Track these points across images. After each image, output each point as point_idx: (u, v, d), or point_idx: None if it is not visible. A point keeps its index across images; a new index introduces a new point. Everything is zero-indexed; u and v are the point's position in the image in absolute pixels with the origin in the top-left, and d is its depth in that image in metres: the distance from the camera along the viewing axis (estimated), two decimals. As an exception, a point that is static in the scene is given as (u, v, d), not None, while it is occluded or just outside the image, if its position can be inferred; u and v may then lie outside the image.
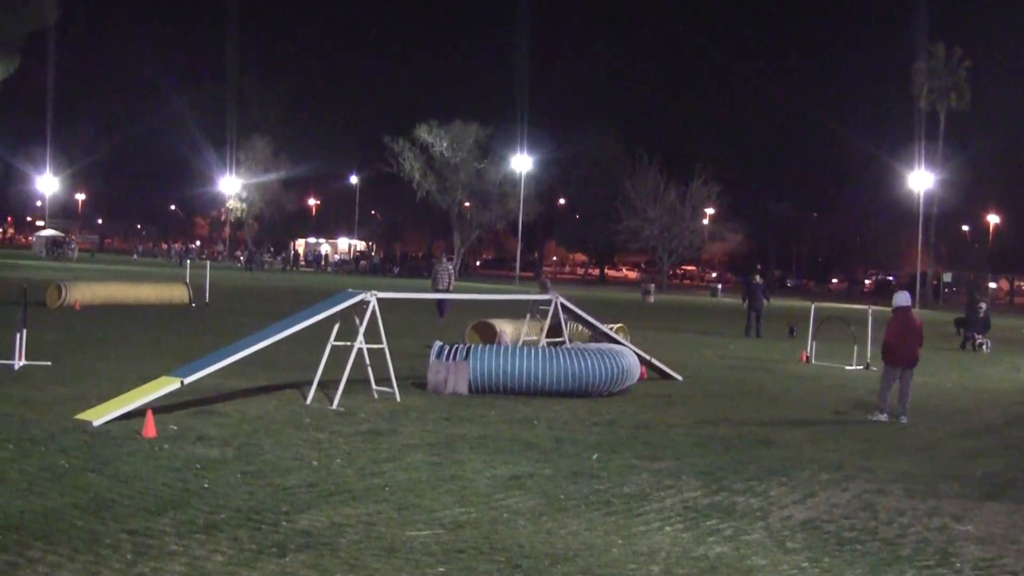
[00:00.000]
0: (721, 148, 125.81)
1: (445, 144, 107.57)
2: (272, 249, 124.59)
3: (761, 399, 21.24)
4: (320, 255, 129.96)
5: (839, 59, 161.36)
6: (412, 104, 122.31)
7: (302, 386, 18.13)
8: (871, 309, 30.59)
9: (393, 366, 18.03)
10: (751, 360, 29.69)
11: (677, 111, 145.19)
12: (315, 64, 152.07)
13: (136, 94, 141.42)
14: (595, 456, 13.79)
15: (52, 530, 9.15)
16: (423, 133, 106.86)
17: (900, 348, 18.92)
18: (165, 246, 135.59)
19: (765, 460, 14.25)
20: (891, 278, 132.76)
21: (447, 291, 39.19)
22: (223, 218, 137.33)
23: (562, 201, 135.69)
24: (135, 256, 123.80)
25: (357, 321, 17.76)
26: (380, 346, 17.74)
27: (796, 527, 10.68)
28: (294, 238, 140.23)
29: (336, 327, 17.79)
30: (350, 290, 18.61)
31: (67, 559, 8.40)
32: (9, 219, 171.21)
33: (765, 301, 39.91)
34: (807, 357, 29.84)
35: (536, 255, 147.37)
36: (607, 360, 19.52)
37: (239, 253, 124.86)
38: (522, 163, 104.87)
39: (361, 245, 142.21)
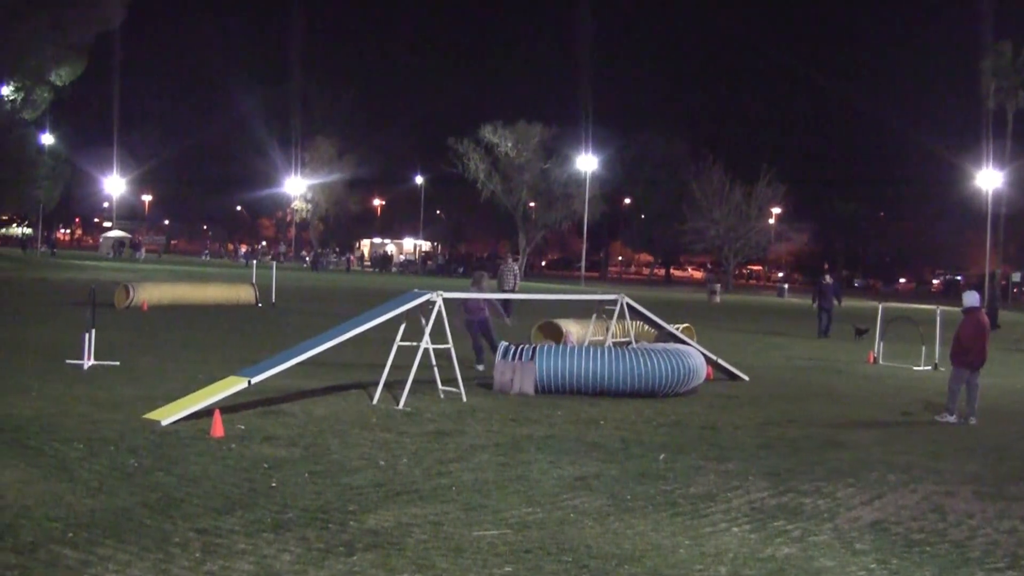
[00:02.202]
0: (786, 148, 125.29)
1: (510, 144, 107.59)
2: (337, 250, 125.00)
3: (828, 400, 21.08)
4: (385, 255, 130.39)
5: (906, 58, 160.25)
6: (477, 105, 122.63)
7: (368, 386, 18.19)
8: (939, 309, 30.29)
9: (459, 366, 18.05)
10: (818, 361, 29.49)
11: (742, 111, 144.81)
12: (380, 65, 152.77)
13: (202, 96, 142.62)
14: (662, 457, 13.74)
15: (122, 528, 9.22)
16: (488, 134, 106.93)
17: (973, 350, 18.71)
18: (231, 247, 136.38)
19: (833, 461, 14.14)
20: (959, 278, 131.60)
21: (512, 291, 39.16)
22: (288, 219, 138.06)
23: (627, 201, 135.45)
24: (205, 257, 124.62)
25: (423, 321, 17.79)
26: (446, 346, 17.77)
27: (864, 529, 10.59)
28: (359, 239, 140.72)
29: (402, 327, 17.83)
30: (416, 290, 18.64)
31: (137, 557, 8.46)
32: (77, 221, 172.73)
33: (836, 302, 39.68)
34: (875, 358, 29.61)
35: (601, 255, 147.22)
36: (673, 360, 19.45)
37: (304, 254, 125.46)
38: (587, 163, 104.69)
39: (426, 246, 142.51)
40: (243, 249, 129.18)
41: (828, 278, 40.62)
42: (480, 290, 22.76)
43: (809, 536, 10.18)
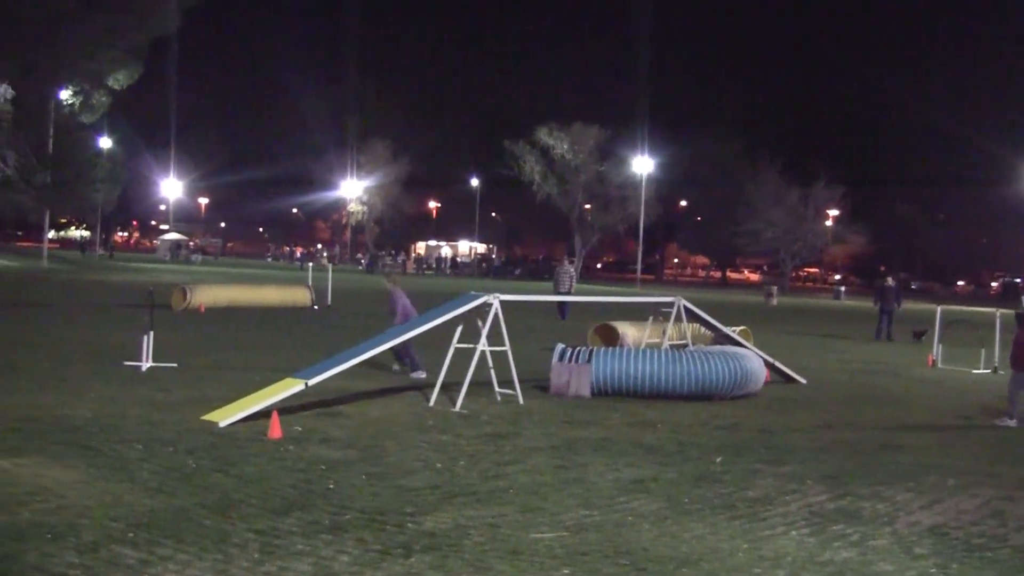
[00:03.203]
0: (843, 150, 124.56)
1: (565, 147, 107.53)
2: (393, 252, 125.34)
3: (886, 403, 20.94)
4: (441, 258, 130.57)
5: (964, 59, 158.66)
6: (533, 106, 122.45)
7: (425, 388, 18.23)
8: (999, 312, 30.00)
9: (515, 368, 18.05)
10: (876, 364, 29.31)
11: (799, 112, 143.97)
12: (435, 66, 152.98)
13: (257, 99, 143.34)
14: (719, 460, 13.69)
15: (181, 529, 9.28)
16: (543, 136, 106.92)
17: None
18: (286, 249, 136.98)
19: (891, 465, 14.04)
20: (1018, 280, 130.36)
21: (568, 293, 39.18)
22: (344, 221, 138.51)
23: (683, 203, 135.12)
24: (270, 259, 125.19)
25: (480, 323, 17.80)
26: (503, 348, 17.78)
27: (923, 533, 10.51)
28: (414, 241, 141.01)
29: (459, 329, 17.85)
30: (472, 292, 18.66)
31: (196, 557, 8.52)
32: (134, 223, 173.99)
33: (896, 305, 39.46)
34: (933, 361, 29.40)
35: (657, 258, 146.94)
36: (730, 363, 19.38)
37: (360, 256, 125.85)
38: (643, 165, 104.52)
39: (482, 248, 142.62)
40: (298, 252, 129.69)
41: (890, 280, 40.44)
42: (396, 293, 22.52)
43: (868, 540, 10.11)
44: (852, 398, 21.44)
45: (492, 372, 17.88)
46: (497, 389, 18.03)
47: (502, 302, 18.05)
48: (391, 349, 21.40)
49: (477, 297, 18.08)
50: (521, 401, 17.68)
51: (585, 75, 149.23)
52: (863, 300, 56.65)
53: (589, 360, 19.13)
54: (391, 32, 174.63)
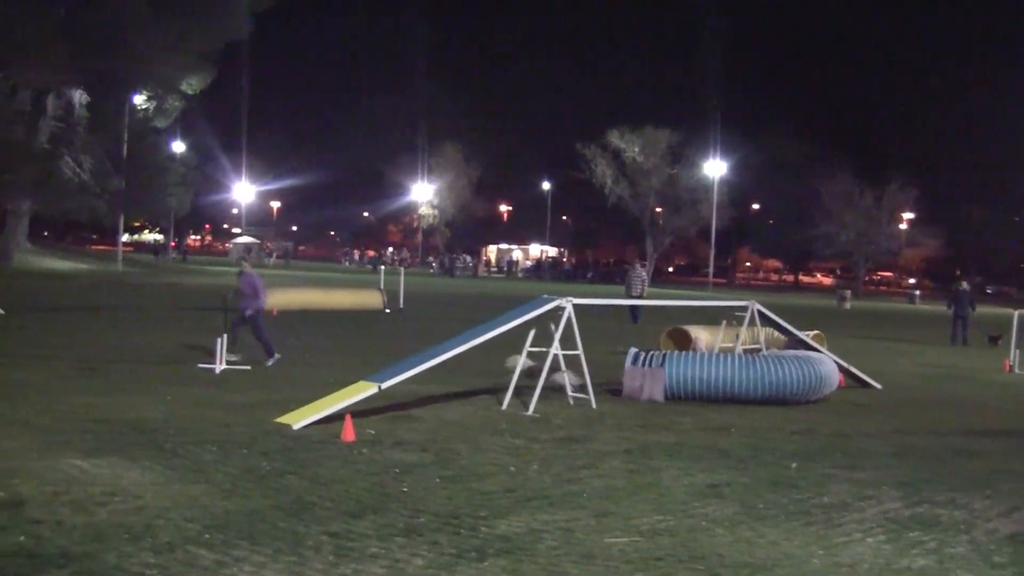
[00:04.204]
0: (918, 152, 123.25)
1: (637, 149, 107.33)
2: (467, 255, 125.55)
3: (961, 408, 20.73)
4: (512, 261, 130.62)
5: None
6: (603, 109, 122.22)
7: (497, 392, 18.22)
8: (1077, 316, 29.64)
9: (588, 372, 17.99)
10: (951, 369, 29.03)
11: (872, 114, 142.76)
12: (506, 69, 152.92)
13: (329, 103, 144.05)
14: (793, 465, 13.58)
15: (256, 530, 9.33)
16: (615, 139, 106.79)
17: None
18: (357, 252, 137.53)
19: (967, 471, 13.88)
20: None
21: (640, 297, 39.08)
22: (415, 225, 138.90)
23: (756, 206, 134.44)
24: (346, 263, 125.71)
25: (552, 327, 17.76)
26: (576, 352, 17.73)
27: (1002, 541, 10.37)
28: (485, 244, 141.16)
29: (532, 333, 17.83)
30: (545, 296, 18.63)
31: (271, 559, 8.56)
32: (207, 226, 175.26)
33: (971, 309, 39.10)
34: (1010, 366, 29.06)
35: (729, 261, 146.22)
36: (804, 367, 19.24)
37: (431, 259, 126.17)
38: (715, 168, 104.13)
39: (552, 251, 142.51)
40: (369, 255, 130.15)
41: (964, 284, 40.05)
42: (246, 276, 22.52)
43: (945, 548, 9.99)
44: (927, 403, 21.24)
45: (565, 376, 17.85)
46: (570, 393, 18.00)
47: (574, 306, 18.01)
48: (231, 334, 21.62)
49: (549, 301, 18.05)
50: (594, 405, 17.63)
51: (657, 78, 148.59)
52: (938, 304, 56.11)
53: (662, 364, 19.07)
54: (462, 35, 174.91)
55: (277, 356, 21.92)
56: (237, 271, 23.35)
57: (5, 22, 61.03)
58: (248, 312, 22.26)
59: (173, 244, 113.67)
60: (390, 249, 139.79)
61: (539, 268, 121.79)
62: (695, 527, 10.24)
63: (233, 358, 21.31)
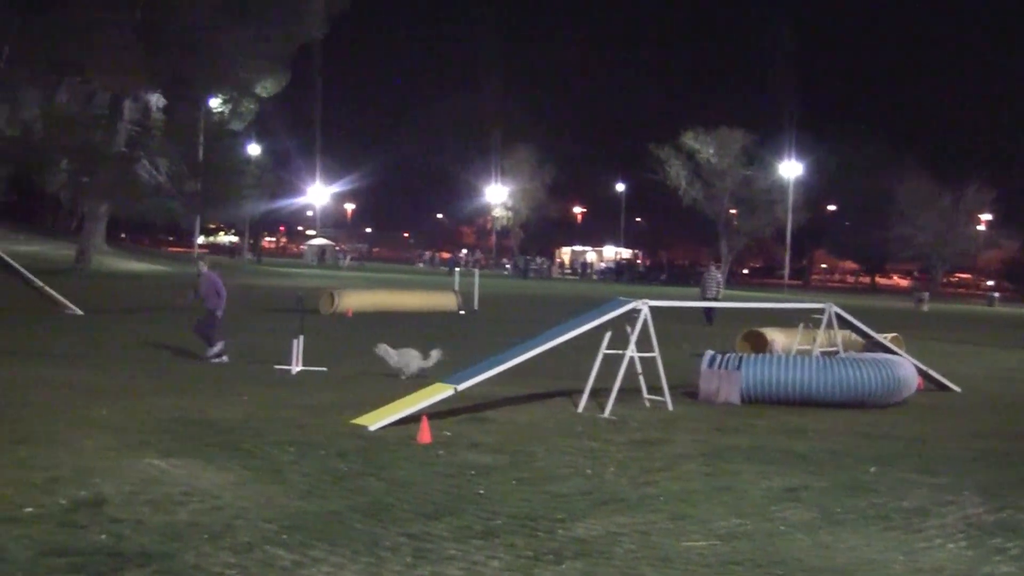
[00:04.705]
0: (996, 153, 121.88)
1: (711, 151, 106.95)
2: (540, 257, 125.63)
3: (1045, 413, 20.46)
4: (585, 263, 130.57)
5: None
6: (677, 110, 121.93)
7: (572, 394, 18.18)
8: None
9: (664, 374, 17.91)
10: (1032, 372, 28.69)
11: (949, 115, 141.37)
12: (579, 71, 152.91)
13: (403, 105, 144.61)
14: (872, 469, 13.44)
15: (334, 531, 9.36)
16: (689, 140, 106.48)
17: None
18: (429, 254, 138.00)
19: (1050, 477, 13.67)
20: None
21: (715, 299, 38.92)
22: (489, 226, 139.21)
23: (831, 207, 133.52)
24: (420, 265, 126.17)
25: (628, 329, 17.69)
26: (651, 355, 17.65)
27: (1088, 547, 10.20)
28: (559, 246, 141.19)
29: (608, 336, 17.76)
30: (620, 298, 18.56)
31: (349, 560, 8.58)
32: (282, 229, 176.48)
33: None
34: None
35: (804, 263, 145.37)
36: (883, 370, 19.04)
37: (505, 261, 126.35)
38: (790, 169, 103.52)
39: (627, 253, 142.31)
40: (443, 257, 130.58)
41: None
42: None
43: (1029, 554, 9.85)
44: (1008, 407, 20.98)
45: (641, 378, 17.79)
46: (646, 396, 17.93)
47: (649, 308, 17.93)
48: (200, 334, 21.89)
49: (625, 303, 17.98)
50: (670, 408, 17.55)
51: (731, 78, 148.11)
52: (1018, 307, 55.59)
53: (739, 367, 18.95)
54: (536, 37, 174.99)
55: (218, 351, 21.89)
56: (196, 273, 23.30)
57: (83, 27, 61.74)
58: (219, 312, 22.45)
59: (249, 247, 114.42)
60: (464, 251, 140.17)
61: (620, 270, 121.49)
62: (773, 531, 10.16)
63: (215, 349, 21.86)
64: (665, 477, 12.36)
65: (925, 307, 70.56)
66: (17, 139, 67.94)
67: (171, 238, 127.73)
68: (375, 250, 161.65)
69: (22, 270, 32.45)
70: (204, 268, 23.04)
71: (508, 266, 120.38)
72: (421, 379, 18.76)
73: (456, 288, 43.68)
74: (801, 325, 22.84)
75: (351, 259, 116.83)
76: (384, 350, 20.45)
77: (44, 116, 68.77)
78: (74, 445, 12.57)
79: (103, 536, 8.90)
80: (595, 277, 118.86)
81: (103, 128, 71.84)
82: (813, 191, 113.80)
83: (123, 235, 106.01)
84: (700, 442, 14.86)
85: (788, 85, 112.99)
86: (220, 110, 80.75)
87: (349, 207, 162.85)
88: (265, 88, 79.85)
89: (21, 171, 74.65)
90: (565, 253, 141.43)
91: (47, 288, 31.69)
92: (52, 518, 9.38)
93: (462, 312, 40.34)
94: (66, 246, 76.14)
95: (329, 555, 8.67)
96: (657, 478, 12.28)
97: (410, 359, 20.40)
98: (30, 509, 9.62)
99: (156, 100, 73.74)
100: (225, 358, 21.75)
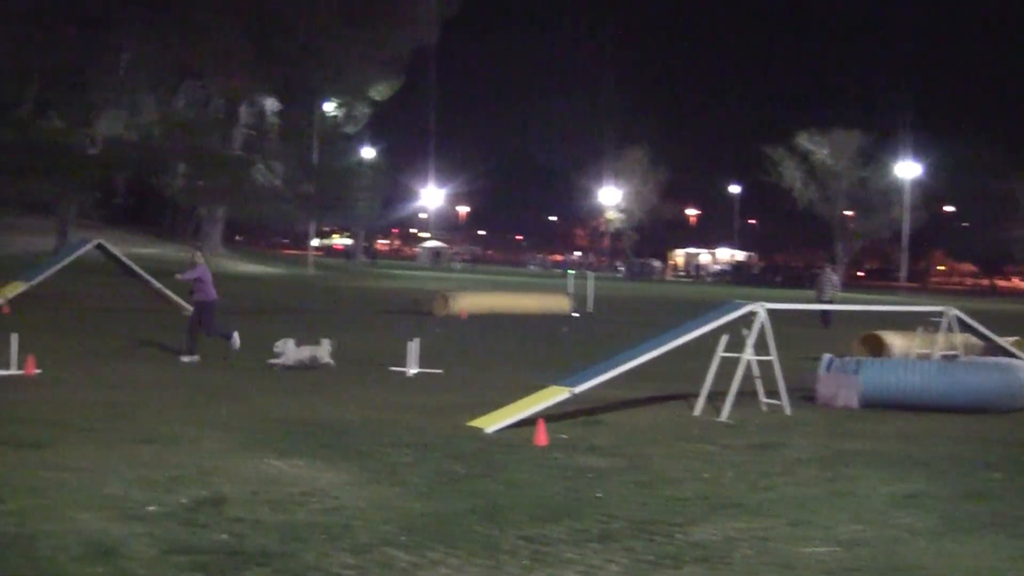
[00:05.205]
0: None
1: (826, 152, 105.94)
2: (654, 260, 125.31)
3: None
4: (699, 265, 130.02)
5: None
6: (791, 111, 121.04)
7: (688, 397, 18.06)
8: None
9: (781, 378, 17.72)
10: None
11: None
12: (693, 73, 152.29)
13: (516, 108, 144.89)
14: (997, 475, 13.19)
15: (451, 533, 9.37)
16: (803, 141, 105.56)
17: None
18: (541, 256, 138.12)
19: None
20: None
21: (831, 302, 38.54)
22: (602, 229, 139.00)
23: (950, 209, 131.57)
24: (531, 267, 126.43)
25: (745, 332, 17.54)
26: (768, 358, 17.48)
27: None
28: (672, 248, 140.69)
29: (725, 339, 17.61)
30: (737, 301, 18.42)
31: (467, 562, 8.59)
32: (395, 231, 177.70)
33: None
34: None
35: (922, 265, 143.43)
36: (1005, 375, 18.71)
37: (618, 263, 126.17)
38: (907, 170, 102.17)
39: (741, 255, 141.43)
40: (555, 259, 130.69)
41: None
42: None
43: None
44: None
45: (758, 382, 17.63)
46: (763, 399, 17.76)
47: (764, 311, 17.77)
48: (215, 334, 21.82)
49: (741, 306, 17.83)
50: (788, 412, 17.37)
51: (846, 79, 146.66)
52: None
53: (857, 370, 18.72)
54: (649, 38, 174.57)
55: (195, 359, 21.52)
56: (192, 264, 23.19)
57: (200, 33, 62.70)
58: (210, 298, 22.32)
59: (363, 248, 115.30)
60: (577, 253, 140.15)
61: (735, 272, 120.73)
62: (895, 538, 9.99)
63: (233, 342, 22.10)
64: (783, 482, 12.24)
65: (1046, 310, 69.32)
66: (136, 144, 69.18)
67: (286, 241, 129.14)
68: (488, 252, 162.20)
69: (141, 272, 32.98)
70: (199, 259, 22.98)
71: (621, 268, 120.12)
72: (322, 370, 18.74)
73: (570, 290, 43.64)
74: (920, 328, 22.47)
75: (462, 261, 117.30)
76: (284, 345, 20.49)
77: (162, 121, 69.97)
78: (195, 445, 12.77)
79: (224, 535, 9.01)
80: (708, 279, 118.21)
81: (219, 132, 72.97)
82: (931, 192, 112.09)
83: (238, 237, 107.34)
84: (818, 446, 14.68)
85: (905, 84, 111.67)
86: (334, 114, 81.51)
87: (462, 210, 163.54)
88: (379, 92, 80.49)
89: (140, 175, 76.06)
90: (679, 255, 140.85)
91: (165, 290, 32.16)
92: (174, 516, 9.53)
93: (576, 315, 40.30)
94: (183, 248, 77.27)
95: (447, 557, 8.68)
96: (775, 483, 12.16)
97: (294, 351, 20.50)
98: (153, 507, 9.78)
99: (271, 104, 74.65)
100: (202, 356, 21.64)
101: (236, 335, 22.35)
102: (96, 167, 68.94)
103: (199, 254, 23.46)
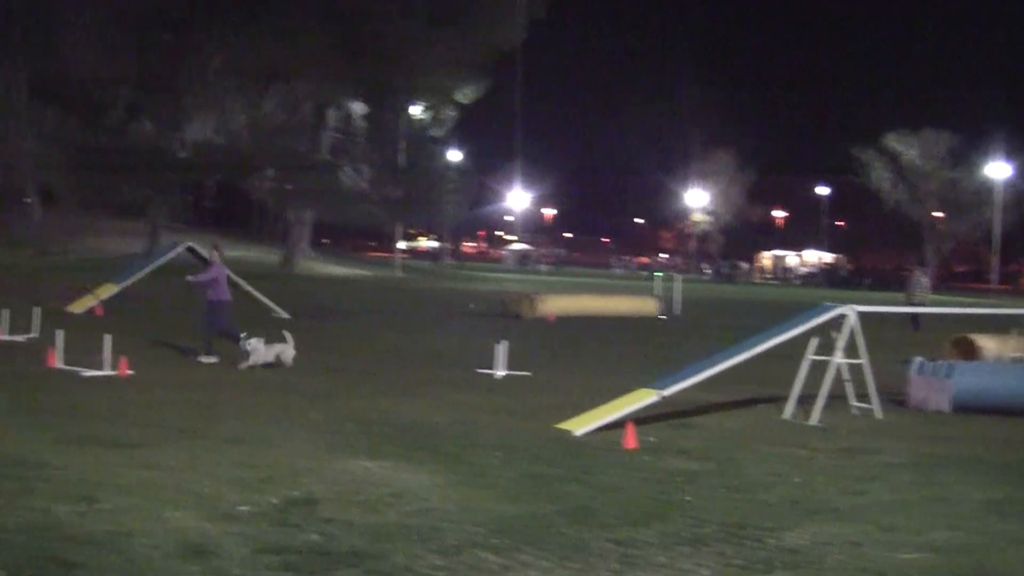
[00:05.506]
0: None
1: (915, 152, 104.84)
2: (741, 262, 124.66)
3: None
4: (786, 267, 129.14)
5: None
6: (880, 111, 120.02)
7: (777, 400, 17.91)
8: None
9: (871, 382, 17.52)
10: None
11: None
12: (781, 74, 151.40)
13: (601, 109, 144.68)
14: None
15: (541, 536, 9.36)
16: (892, 142, 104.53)
17: None
18: (626, 259, 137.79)
19: None
20: None
21: (922, 304, 38.11)
22: (688, 231, 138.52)
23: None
24: (617, 270, 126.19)
25: (834, 335, 17.37)
26: (859, 361, 17.30)
27: None
28: (759, 250, 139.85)
29: (816, 341, 17.43)
30: (827, 303, 18.25)
31: (556, 564, 8.57)
32: (481, 233, 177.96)
33: None
34: None
35: (1016, 267, 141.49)
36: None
37: (704, 266, 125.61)
38: (999, 170, 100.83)
39: (828, 257, 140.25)
40: (640, 261, 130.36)
41: None
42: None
43: None
44: None
45: (848, 385, 17.45)
46: (853, 403, 17.58)
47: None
48: (228, 336, 21.07)
49: (831, 308, 17.66)
50: (879, 415, 17.18)
51: (936, 78, 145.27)
52: None
53: (949, 374, 18.48)
54: (736, 40, 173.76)
55: (214, 359, 21.00)
56: (207, 263, 22.90)
57: (288, 37, 63.20)
58: (224, 298, 22.09)
59: (450, 250, 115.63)
60: (663, 256, 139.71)
61: (824, 274, 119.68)
62: (990, 545, 9.85)
63: (246, 345, 21.15)
64: (875, 487, 12.11)
65: None
66: (225, 147, 69.83)
67: (373, 243, 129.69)
68: (574, 255, 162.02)
69: (231, 274, 33.24)
70: (216, 258, 22.85)
71: (707, 271, 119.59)
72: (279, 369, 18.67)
73: (657, 293, 43.52)
74: (1015, 331, 22.18)
75: (548, 263, 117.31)
76: (253, 344, 20.32)
77: (251, 125, 70.58)
78: (284, 445, 12.87)
79: (315, 535, 9.07)
80: (796, 282, 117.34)
81: (307, 136, 73.47)
82: (1023, 193, 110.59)
83: (326, 240, 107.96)
84: (910, 451, 14.52)
85: (996, 83, 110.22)
86: (421, 117, 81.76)
87: (549, 212, 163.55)
88: (465, 94, 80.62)
89: (229, 179, 76.82)
90: (766, 257, 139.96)
91: (255, 292, 32.42)
92: (266, 517, 9.62)
93: (663, 317, 40.17)
94: (272, 251, 78.00)
95: (537, 559, 8.67)
96: (867, 487, 12.04)
97: (263, 351, 20.30)
98: (246, 507, 9.86)
99: (358, 108, 75.06)
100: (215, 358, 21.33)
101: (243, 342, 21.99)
102: (186, 171, 69.81)
103: (215, 253, 23.29)
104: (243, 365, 20.04)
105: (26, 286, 37.14)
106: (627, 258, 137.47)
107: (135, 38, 62.00)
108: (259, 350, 20.19)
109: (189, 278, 23.52)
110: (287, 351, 20.57)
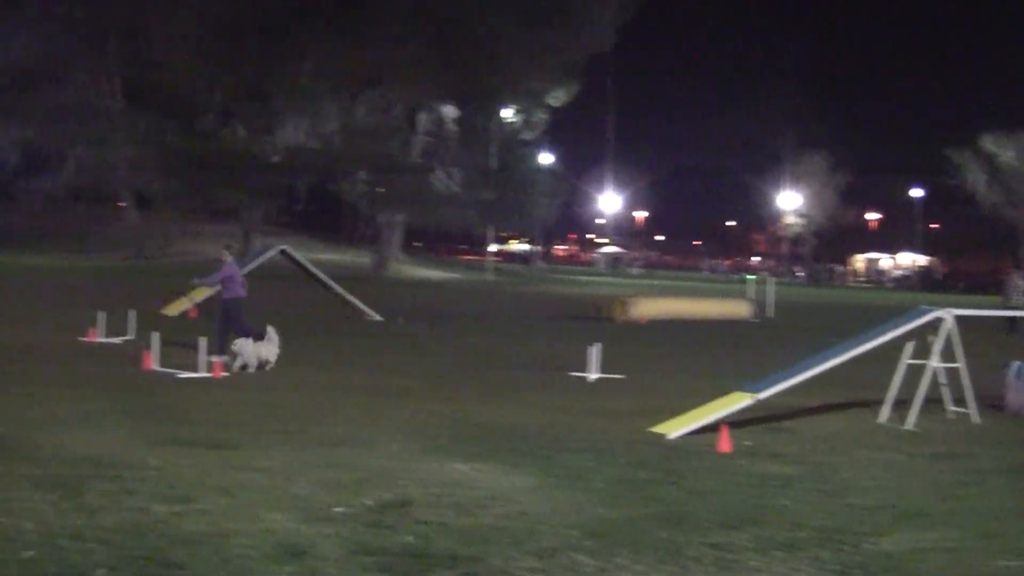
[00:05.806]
0: None
1: (1012, 154, 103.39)
2: (835, 265, 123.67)
3: None
4: (880, 270, 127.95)
5: None
6: (976, 112, 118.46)
7: (871, 404, 17.76)
8: None
9: (969, 386, 17.31)
10: None
11: None
12: (873, 75, 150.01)
13: (694, 113, 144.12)
14: None
15: (636, 539, 9.36)
16: (988, 143, 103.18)
17: None
18: (716, 261, 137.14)
19: None
20: None
21: (1020, 307, 37.60)
22: (781, 234, 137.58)
23: None
24: (706, 272, 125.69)
25: (930, 339, 17.19)
26: (955, 365, 17.11)
27: None
28: (853, 252, 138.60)
29: (912, 345, 17.25)
30: (923, 307, 18.06)
31: (652, 568, 8.57)
32: (572, 236, 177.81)
33: None
34: None
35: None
36: None
37: (797, 269, 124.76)
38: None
39: (923, 260, 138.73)
40: (727, 264, 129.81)
41: None
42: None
43: None
44: None
45: (944, 389, 17.27)
46: (950, 407, 17.40)
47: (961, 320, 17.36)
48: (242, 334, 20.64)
49: (928, 312, 17.48)
50: (976, 420, 16.97)
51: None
52: None
53: (1048, 379, 18.23)
54: (829, 40, 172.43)
55: (226, 359, 20.16)
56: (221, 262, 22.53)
57: (381, 41, 63.59)
58: (238, 295, 21.81)
59: (541, 254, 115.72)
60: (755, 258, 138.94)
61: (925, 277, 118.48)
62: (1094, 553, 9.72)
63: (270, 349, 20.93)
64: (972, 492, 11.98)
65: None
66: (318, 151, 70.41)
67: (464, 246, 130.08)
68: (665, 257, 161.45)
69: (324, 277, 33.57)
70: (227, 257, 22.52)
71: (800, 273, 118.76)
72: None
73: (750, 296, 43.29)
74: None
75: (639, 266, 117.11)
76: (240, 345, 20.11)
77: (343, 128, 71.10)
78: (378, 447, 12.98)
79: (410, 537, 9.13)
80: (889, 285, 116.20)
81: (399, 139, 73.89)
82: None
83: (417, 243, 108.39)
84: (1008, 456, 14.33)
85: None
86: (512, 120, 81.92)
87: (640, 215, 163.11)
88: (556, 98, 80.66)
89: (321, 182, 77.42)
90: (859, 260, 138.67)
91: (348, 295, 32.66)
92: (360, 518, 9.69)
93: (756, 320, 39.97)
94: (364, 254, 78.42)
95: (632, 562, 8.67)
96: (964, 493, 11.91)
97: (252, 351, 20.09)
98: (340, 509, 9.94)
99: (450, 111, 75.36)
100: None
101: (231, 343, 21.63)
102: (278, 174, 70.44)
103: (226, 251, 23.03)
104: (234, 365, 19.96)
105: (122, 289, 37.65)
106: (717, 261, 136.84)
107: (228, 45, 62.68)
108: (246, 351, 20.07)
109: (195, 280, 23.64)
110: (271, 349, 20.45)
